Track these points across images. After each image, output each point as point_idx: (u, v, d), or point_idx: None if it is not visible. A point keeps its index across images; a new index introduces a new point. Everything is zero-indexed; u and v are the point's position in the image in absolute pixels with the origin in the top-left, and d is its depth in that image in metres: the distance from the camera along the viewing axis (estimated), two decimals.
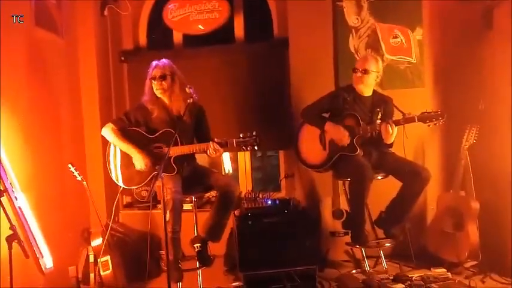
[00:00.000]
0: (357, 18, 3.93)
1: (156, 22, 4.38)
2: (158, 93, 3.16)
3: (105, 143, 3.22)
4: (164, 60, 3.19)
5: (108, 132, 3.17)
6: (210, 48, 4.25)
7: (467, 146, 3.36)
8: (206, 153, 3.04)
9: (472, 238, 3.27)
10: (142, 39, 4.45)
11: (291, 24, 4.00)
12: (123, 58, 4.31)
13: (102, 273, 3.18)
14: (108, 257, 3.20)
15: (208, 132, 3.28)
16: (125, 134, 3.15)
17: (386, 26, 3.90)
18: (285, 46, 4.02)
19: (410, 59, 3.89)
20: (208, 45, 4.27)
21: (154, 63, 3.19)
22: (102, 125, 3.25)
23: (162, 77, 3.13)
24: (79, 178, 3.28)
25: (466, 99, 3.61)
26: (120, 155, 3.16)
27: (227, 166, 4.44)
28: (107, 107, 4.13)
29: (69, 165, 3.29)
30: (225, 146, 2.99)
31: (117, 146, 3.15)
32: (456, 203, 3.39)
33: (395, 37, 3.89)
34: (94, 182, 3.84)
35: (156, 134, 3.13)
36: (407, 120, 3.18)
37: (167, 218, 2.86)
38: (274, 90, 4.12)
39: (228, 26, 4.25)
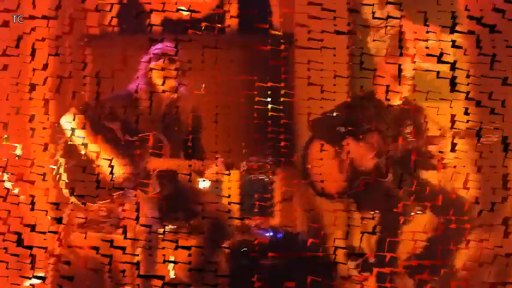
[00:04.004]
0: (380, 14, 3.29)
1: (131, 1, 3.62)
2: (159, 81, 2.37)
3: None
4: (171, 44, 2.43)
5: (71, 121, 2.30)
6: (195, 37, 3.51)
7: None
8: (201, 175, 2.31)
9: None
10: (113, 21, 3.60)
11: (297, 16, 3.34)
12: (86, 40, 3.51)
13: None
14: None
15: (201, 145, 2.56)
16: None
17: (415, 26, 3.28)
18: (289, 42, 3.38)
19: (444, 66, 3.29)
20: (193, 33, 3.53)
21: (160, 44, 2.46)
22: (55, 117, 2.45)
23: (172, 61, 2.39)
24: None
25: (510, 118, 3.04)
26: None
27: None
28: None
29: None
30: (230, 168, 2.30)
31: (88, 143, 2.32)
32: None
33: (426, 39, 3.28)
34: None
35: (136, 137, 2.36)
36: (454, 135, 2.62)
37: (138, 258, 2.09)
38: (272, 95, 3.38)
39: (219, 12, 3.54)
